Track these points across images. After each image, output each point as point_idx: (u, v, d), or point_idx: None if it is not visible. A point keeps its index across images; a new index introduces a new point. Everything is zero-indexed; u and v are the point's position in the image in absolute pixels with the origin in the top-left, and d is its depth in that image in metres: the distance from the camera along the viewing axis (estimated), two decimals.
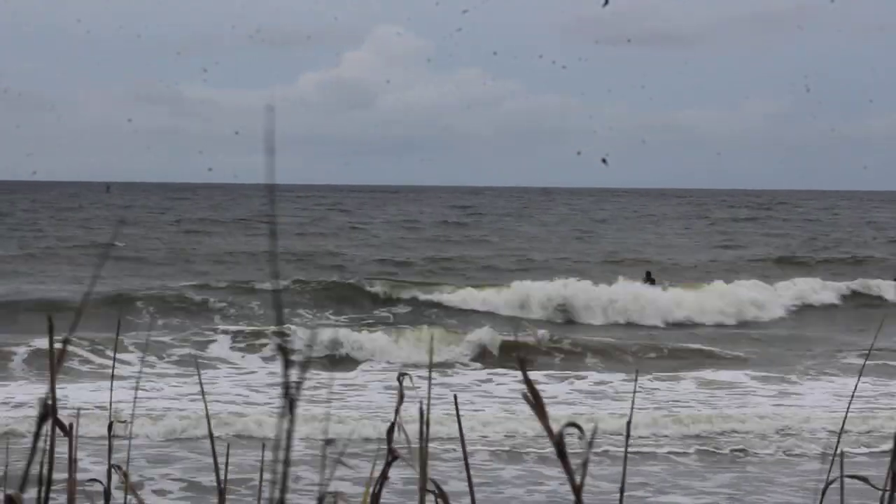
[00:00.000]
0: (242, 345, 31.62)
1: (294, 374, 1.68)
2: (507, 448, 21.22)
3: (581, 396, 27.20)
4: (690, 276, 52.77)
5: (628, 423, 3.22)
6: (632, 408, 2.96)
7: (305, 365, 1.70)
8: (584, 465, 1.77)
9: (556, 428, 1.77)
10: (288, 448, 1.74)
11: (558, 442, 1.72)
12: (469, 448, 20.84)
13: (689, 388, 27.95)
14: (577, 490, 1.82)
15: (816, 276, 49.86)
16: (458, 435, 18.85)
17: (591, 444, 1.79)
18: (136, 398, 25.01)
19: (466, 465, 2.89)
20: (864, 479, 2.59)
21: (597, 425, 2.14)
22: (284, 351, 1.66)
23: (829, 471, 2.88)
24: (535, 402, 1.75)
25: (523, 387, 1.78)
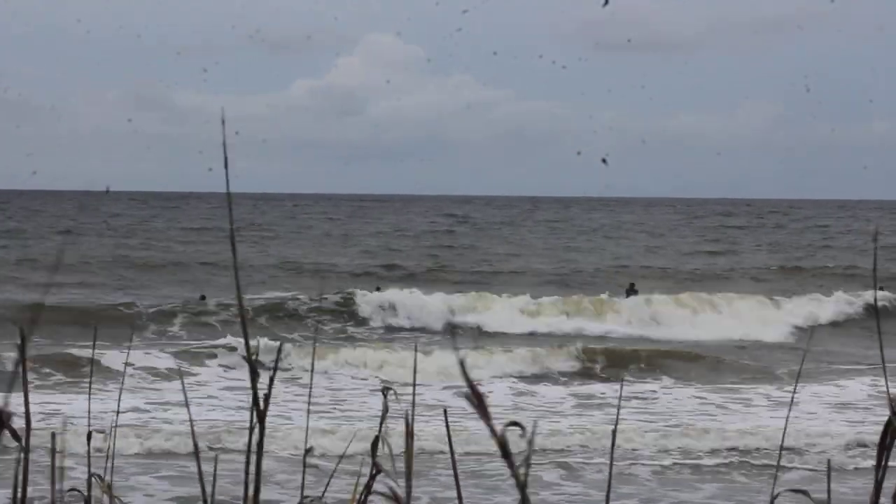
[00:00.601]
0: (237, 355, 31.61)
1: (262, 386, 1.70)
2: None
3: (579, 406, 27.23)
4: (690, 287, 52.84)
5: (614, 431, 3.24)
6: (617, 417, 2.97)
7: (272, 378, 1.72)
8: (527, 461, 1.79)
9: (499, 428, 1.79)
10: (259, 459, 1.75)
11: (502, 441, 1.75)
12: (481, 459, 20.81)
13: (690, 399, 28.00)
14: (522, 486, 1.84)
15: (811, 286, 49.90)
16: (475, 447, 18.62)
17: (531, 443, 1.81)
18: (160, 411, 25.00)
19: (455, 474, 2.90)
20: (805, 493, 2.61)
21: (536, 423, 2.17)
22: (251, 363, 1.67)
23: (775, 484, 2.91)
24: (478, 402, 1.77)
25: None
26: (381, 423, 2.94)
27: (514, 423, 1.96)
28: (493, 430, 1.82)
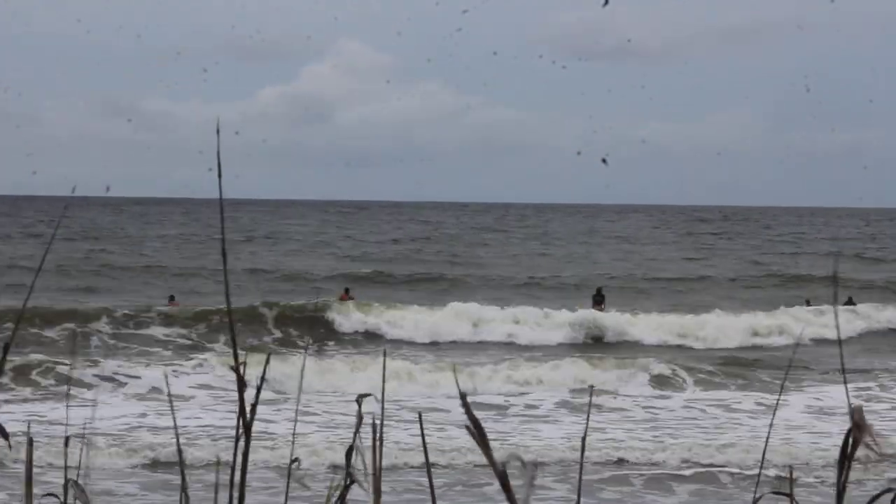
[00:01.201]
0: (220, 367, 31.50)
1: (250, 398, 1.70)
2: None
3: (571, 413, 27.26)
4: (664, 293, 52.91)
5: (583, 439, 3.25)
6: (587, 425, 2.99)
7: (259, 388, 1.72)
8: (528, 497, 1.80)
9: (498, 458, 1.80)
10: (244, 469, 1.75)
11: (502, 476, 1.75)
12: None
13: (686, 408, 28.05)
14: None
15: (788, 294, 50.03)
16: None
17: (533, 478, 1.82)
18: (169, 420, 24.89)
19: (430, 478, 2.90)
20: (789, 495, 2.63)
21: (536, 459, 2.18)
22: (239, 374, 1.67)
23: (757, 488, 2.92)
24: (478, 434, 1.77)
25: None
26: (355, 433, 2.93)
27: (516, 458, 1.96)
28: (493, 464, 1.82)
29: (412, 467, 20.44)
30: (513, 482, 1.85)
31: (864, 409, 2.33)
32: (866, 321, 44.07)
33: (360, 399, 2.83)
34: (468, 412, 1.89)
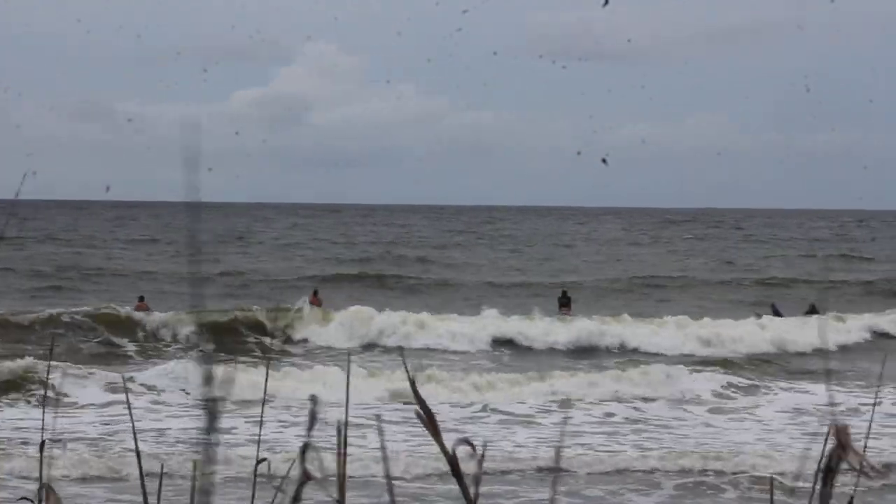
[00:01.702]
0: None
1: (215, 391, 1.62)
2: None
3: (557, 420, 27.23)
4: (631, 297, 52.98)
5: (557, 450, 3.20)
6: (562, 432, 2.91)
7: (228, 382, 1.65)
8: (477, 481, 1.75)
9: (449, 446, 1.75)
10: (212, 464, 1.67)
11: (453, 461, 1.71)
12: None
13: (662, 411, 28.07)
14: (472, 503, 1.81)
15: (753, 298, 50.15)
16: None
17: (482, 462, 1.77)
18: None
19: (389, 483, 2.85)
20: None
21: (486, 443, 2.14)
22: (207, 368, 1.60)
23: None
24: (429, 420, 1.73)
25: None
26: (308, 430, 2.87)
27: (465, 442, 1.91)
28: (444, 449, 1.79)
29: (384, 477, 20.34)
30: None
31: (848, 427, 2.25)
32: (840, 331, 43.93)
33: (313, 398, 2.77)
34: (418, 398, 1.84)
